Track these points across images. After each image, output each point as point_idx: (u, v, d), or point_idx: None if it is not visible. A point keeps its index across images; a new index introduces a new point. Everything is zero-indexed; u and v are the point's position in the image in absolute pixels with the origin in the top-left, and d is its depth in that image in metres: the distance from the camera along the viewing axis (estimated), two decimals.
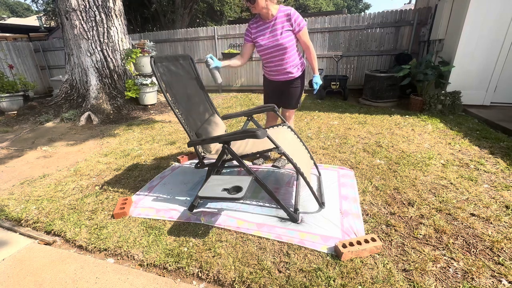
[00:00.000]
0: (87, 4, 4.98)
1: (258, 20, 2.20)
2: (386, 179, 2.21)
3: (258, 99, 6.18)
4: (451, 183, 2.10)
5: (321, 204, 1.82)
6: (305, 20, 6.23)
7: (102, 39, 5.27)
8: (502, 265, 1.33)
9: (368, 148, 2.86)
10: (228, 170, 2.56)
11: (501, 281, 1.25)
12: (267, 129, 2.23)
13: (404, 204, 1.87)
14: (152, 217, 1.87)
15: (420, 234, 1.57)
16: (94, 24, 5.13)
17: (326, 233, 1.60)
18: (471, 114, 3.89)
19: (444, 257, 1.40)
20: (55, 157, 3.27)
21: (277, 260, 1.44)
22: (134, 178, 2.52)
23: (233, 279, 1.34)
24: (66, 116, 5.02)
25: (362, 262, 1.38)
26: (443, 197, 1.91)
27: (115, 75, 5.55)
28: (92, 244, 1.66)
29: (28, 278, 1.46)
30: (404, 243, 1.51)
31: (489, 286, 1.23)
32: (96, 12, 5.10)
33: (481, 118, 3.64)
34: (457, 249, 1.45)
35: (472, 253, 1.42)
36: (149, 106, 5.75)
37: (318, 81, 2.27)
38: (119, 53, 5.58)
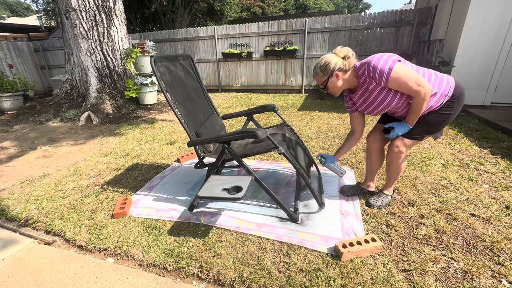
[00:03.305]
0: (87, 4, 4.98)
1: None
2: None
3: (258, 99, 6.17)
4: (451, 183, 2.10)
5: (321, 204, 1.82)
6: (305, 20, 6.23)
7: (102, 39, 5.27)
8: (502, 265, 1.33)
9: None
10: (228, 170, 2.56)
11: (501, 281, 1.25)
12: (267, 129, 2.23)
13: (404, 204, 1.87)
14: (152, 217, 1.87)
15: (420, 234, 1.57)
16: (94, 23, 5.13)
17: (326, 233, 1.60)
18: (471, 114, 3.89)
19: (444, 257, 1.40)
20: (55, 157, 3.27)
21: (277, 260, 1.44)
22: (134, 178, 2.52)
23: (233, 279, 1.34)
24: (66, 115, 5.02)
25: (362, 262, 1.38)
26: (443, 197, 1.91)
27: (115, 75, 5.55)
28: (92, 244, 1.66)
29: (28, 278, 1.46)
30: (404, 243, 1.51)
31: (489, 287, 1.23)
32: (96, 12, 5.10)
33: (481, 118, 3.64)
34: (457, 249, 1.44)
35: (472, 253, 1.42)
36: (149, 106, 5.75)
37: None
38: (119, 53, 5.58)
